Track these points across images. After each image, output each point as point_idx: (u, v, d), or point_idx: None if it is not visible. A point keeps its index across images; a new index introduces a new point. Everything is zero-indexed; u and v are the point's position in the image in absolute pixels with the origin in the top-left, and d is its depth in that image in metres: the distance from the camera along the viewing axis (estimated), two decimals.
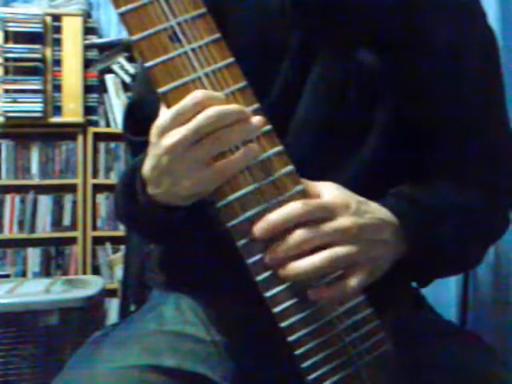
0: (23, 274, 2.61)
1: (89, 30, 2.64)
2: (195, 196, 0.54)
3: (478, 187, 0.68)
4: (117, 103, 2.65)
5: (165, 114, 0.51)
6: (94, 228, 2.66)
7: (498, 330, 1.22)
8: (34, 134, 2.64)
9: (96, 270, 2.64)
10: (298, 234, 0.51)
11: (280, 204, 0.52)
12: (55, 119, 2.58)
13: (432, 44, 0.67)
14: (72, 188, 2.65)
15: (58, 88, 2.57)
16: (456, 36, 0.67)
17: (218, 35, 0.52)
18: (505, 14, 1.22)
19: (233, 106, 0.50)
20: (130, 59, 2.68)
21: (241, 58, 0.52)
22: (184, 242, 0.71)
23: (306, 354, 0.53)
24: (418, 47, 0.66)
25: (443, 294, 1.28)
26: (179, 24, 0.51)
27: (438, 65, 0.67)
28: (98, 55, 2.66)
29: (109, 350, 0.65)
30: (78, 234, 2.63)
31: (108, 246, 2.67)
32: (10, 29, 2.51)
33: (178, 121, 0.50)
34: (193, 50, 0.51)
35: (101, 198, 2.69)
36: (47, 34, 2.57)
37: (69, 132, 2.63)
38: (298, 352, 0.53)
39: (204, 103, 0.49)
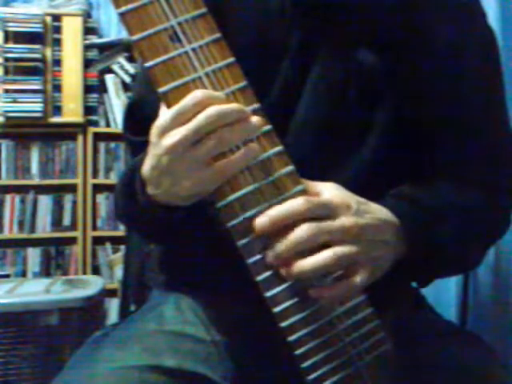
0: (23, 274, 2.61)
1: (89, 30, 2.64)
2: (195, 196, 0.54)
3: (478, 187, 0.68)
4: (117, 103, 2.65)
5: (165, 114, 0.51)
6: (94, 228, 2.66)
7: (497, 329, 1.22)
8: (34, 134, 2.63)
9: (96, 270, 2.64)
10: (301, 231, 0.51)
11: (280, 204, 0.52)
12: (55, 119, 2.58)
13: (432, 44, 0.67)
14: (72, 188, 2.65)
15: (58, 88, 2.57)
16: (456, 36, 0.67)
17: (218, 35, 0.52)
18: (505, 14, 1.22)
19: (233, 105, 0.50)
20: (130, 59, 2.68)
21: (241, 58, 0.52)
22: (184, 241, 0.71)
23: (306, 353, 0.53)
24: (418, 47, 0.66)
25: (443, 294, 1.28)
26: (180, 24, 0.51)
27: (438, 65, 0.67)
28: (97, 55, 2.66)
29: (109, 349, 0.65)
30: (78, 233, 2.63)
31: (108, 246, 2.67)
32: (10, 29, 2.51)
33: (178, 121, 0.50)
34: (193, 49, 0.51)
35: (101, 198, 2.69)
36: (47, 34, 2.57)
37: (69, 132, 2.63)
38: (298, 352, 0.53)
39: (204, 103, 0.49)
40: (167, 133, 0.50)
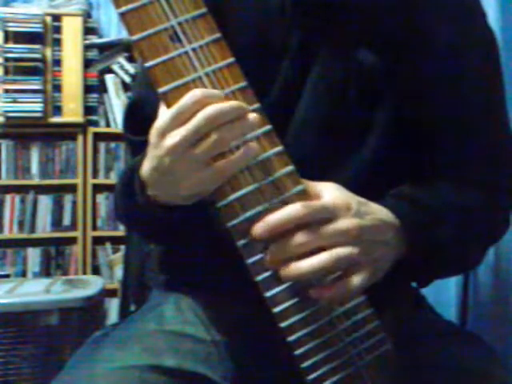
0: (23, 274, 2.61)
1: (89, 30, 2.64)
2: (196, 196, 0.54)
3: (478, 187, 0.68)
4: (117, 103, 2.65)
5: (164, 115, 0.51)
6: (94, 228, 2.66)
7: (498, 329, 1.22)
8: (34, 134, 2.64)
9: (96, 270, 2.64)
10: (299, 237, 0.51)
11: (280, 204, 0.52)
12: (55, 119, 2.58)
13: (432, 44, 0.67)
14: (72, 188, 2.65)
15: (58, 88, 2.57)
16: (456, 36, 0.67)
17: (218, 35, 0.52)
18: (505, 13, 1.22)
19: (231, 103, 0.50)
20: (130, 59, 2.68)
21: (241, 58, 0.52)
22: (184, 242, 0.71)
23: (306, 353, 0.53)
24: (418, 47, 0.66)
25: (443, 294, 1.28)
26: (180, 24, 0.51)
27: (438, 65, 0.67)
28: (97, 55, 2.66)
29: (109, 349, 0.65)
30: (78, 233, 2.63)
31: (108, 246, 2.67)
32: (10, 29, 2.51)
33: (177, 121, 0.50)
34: (193, 49, 0.51)
35: (101, 198, 2.69)
36: (47, 34, 2.57)
37: (69, 132, 2.63)
38: (297, 352, 0.53)
39: (203, 101, 0.49)
40: (167, 133, 0.50)
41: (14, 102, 2.49)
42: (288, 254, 0.51)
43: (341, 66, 0.67)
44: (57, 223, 2.65)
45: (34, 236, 2.63)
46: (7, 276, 2.53)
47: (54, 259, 2.65)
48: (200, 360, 0.65)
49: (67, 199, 2.67)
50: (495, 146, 0.71)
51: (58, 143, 2.65)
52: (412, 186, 0.65)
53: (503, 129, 0.72)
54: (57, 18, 2.58)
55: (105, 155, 2.69)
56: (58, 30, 2.58)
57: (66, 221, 2.66)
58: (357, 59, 0.66)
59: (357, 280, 0.52)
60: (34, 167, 2.64)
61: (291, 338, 0.53)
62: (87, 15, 2.67)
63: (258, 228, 0.51)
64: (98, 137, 2.67)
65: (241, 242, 0.52)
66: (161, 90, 0.50)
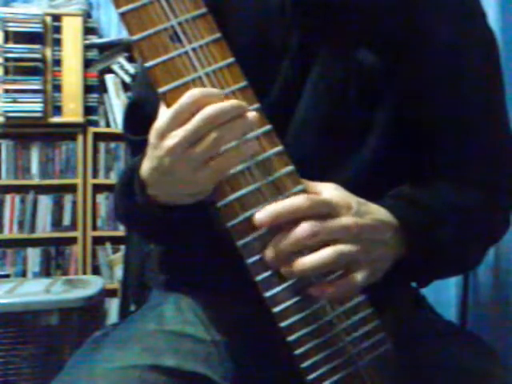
0: (23, 274, 2.61)
1: (89, 30, 2.64)
2: (196, 196, 0.54)
3: (478, 187, 0.68)
4: (117, 103, 2.65)
5: (164, 115, 0.51)
6: (94, 228, 2.66)
7: (498, 329, 1.22)
8: (34, 134, 2.64)
9: (96, 270, 2.64)
10: (302, 228, 0.51)
11: None
12: (55, 119, 2.58)
13: (432, 44, 0.67)
14: (72, 188, 2.65)
15: (58, 88, 2.57)
16: (456, 36, 0.67)
17: (218, 35, 0.52)
18: (505, 14, 1.22)
19: (230, 102, 0.50)
20: (130, 59, 2.68)
21: (241, 58, 0.52)
22: (184, 242, 0.71)
23: (306, 353, 0.53)
24: (418, 47, 0.66)
25: (443, 294, 1.28)
26: (180, 24, 0.51)
27: (438, 65, 0.67)
28: (97, 55, 2.66)
29: (109, 349, 0.65)
30: (78, 233, 2.63)
31: (108, 246, 2.67)
32: (10, 29, 2.51)
33: (177, 121, 0.50)
34: (193, 49, 0.51)
35: (101, 198, 2.69)
36: (47, 34, 2.57)
37: (69, 132, 2.63)
38: (297, 352, 0.53)
39: (201, 101, 0.49)
40: (167, 134, 0.50)
41: (14, 102, 2.49)
42: (288, 247, 0.51)
43: (341, 66, 0.67)
44: (57, 223, 2.65)
45: (33, 236, 2.63)
46: (7, 276, 2.53)
47: (54, 259, 2.64)
48: (200, 360, 0.65)
49: (67, 199, 2.67)
50: (495, 146, 0.71)
51: (58, 143, 2.65)
52: (412, 187, 0.65)
53: (503, 129, 0.72)
54: (57, 18, 2.58)
55: (105, 155, 2.69)
56: (58, 30, 2.58)
57: (66, 221, 2.66)
58: (357, 59, 0.66)
59: (357, 278, 0.53)
60: (34, 167, 2.64)
61: (291, 338, 0.53)
62: (87, 15, 2.67)
63: (259, 216, 0.51)
64: (97, 137, 2.67)
65: (241, 242, 0.52)
66: (161, 90, 0.51)
